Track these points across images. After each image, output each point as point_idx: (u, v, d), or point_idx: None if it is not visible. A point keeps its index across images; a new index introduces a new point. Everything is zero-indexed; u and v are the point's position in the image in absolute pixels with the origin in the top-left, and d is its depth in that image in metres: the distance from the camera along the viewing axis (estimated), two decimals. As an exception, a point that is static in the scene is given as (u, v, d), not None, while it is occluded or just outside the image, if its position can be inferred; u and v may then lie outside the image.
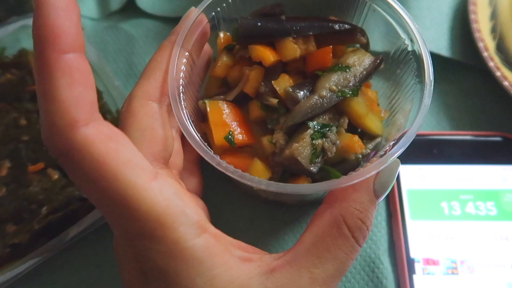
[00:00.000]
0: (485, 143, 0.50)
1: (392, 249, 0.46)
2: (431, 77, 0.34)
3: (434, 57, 0.53)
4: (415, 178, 0.48)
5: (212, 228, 0.29)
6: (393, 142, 0.33)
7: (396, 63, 0.40)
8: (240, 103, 0.39)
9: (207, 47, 0.40)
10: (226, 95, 0.39)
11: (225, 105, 0.38)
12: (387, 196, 0.48)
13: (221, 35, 0.41)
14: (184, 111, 0.34)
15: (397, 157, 0.32)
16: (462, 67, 0.55)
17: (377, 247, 0.45)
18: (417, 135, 0.50)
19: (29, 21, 0.51)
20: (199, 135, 0.34)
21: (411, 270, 0.44)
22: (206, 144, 0.33)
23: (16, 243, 0.41)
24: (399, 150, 0.32)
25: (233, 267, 0.28)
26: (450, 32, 0.55)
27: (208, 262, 0.27)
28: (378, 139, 0.39)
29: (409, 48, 0.37)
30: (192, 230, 0.27)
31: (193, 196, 0.30)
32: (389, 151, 0.32)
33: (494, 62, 0.50)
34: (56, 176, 0.44)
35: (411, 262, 0.44)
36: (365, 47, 0.40)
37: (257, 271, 0.29)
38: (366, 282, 0.44)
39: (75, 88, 0.25)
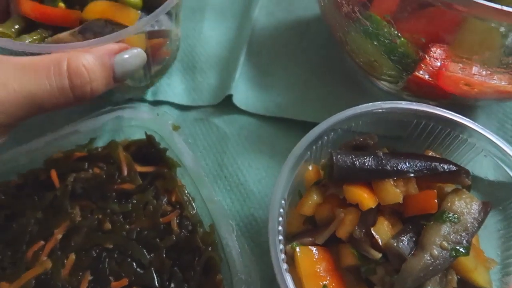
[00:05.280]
0: None
1: None
2: None
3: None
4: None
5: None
6: None
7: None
8: (328, 244, 0.37)
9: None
10: (314, 236, 0.37)
11: (316, 252, 0.36)
12: None
13: (310, 167, 0.39)
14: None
15: None
16: None
17: None
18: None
19: (123, 112, 0.49)
20: None
21: None
22: None
23: None
24: None
25: None
26: None
27: None
28: None
29: None
30: None
31: None
32: None
33: None
34: (143, 298, 0.40)
35: None
36: (468, 188, 0.37)
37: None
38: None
39: None
